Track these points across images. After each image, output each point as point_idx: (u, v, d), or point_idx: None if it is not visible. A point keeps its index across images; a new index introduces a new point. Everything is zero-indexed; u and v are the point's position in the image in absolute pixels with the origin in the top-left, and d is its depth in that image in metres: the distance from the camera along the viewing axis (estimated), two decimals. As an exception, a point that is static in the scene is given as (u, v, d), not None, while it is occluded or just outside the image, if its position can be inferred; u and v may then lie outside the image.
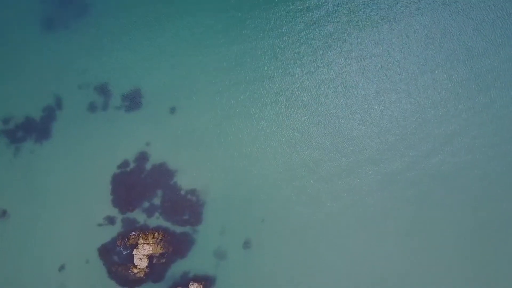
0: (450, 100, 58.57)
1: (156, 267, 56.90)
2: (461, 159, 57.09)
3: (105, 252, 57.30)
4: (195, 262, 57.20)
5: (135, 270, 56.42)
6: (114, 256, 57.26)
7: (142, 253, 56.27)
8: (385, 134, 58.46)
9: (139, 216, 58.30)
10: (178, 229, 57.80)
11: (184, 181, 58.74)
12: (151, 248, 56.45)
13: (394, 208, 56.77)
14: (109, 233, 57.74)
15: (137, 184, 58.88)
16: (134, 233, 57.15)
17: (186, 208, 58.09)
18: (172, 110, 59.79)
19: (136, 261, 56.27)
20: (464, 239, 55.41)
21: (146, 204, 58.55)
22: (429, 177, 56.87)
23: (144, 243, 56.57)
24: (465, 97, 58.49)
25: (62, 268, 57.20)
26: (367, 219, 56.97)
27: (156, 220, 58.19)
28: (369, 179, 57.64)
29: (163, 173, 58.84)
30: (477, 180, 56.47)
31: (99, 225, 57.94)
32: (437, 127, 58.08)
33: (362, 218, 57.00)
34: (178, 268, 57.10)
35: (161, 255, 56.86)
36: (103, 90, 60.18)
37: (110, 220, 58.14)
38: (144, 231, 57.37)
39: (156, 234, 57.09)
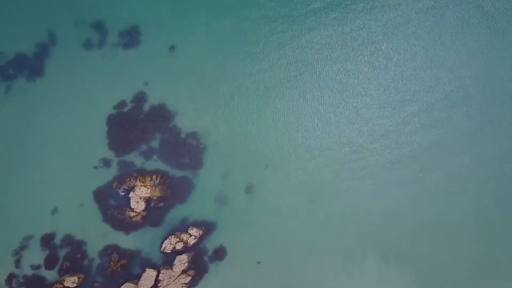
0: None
1: (153, 211, 54.14)
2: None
3: (100, 195, 54.49)
4: (195, 207, 54.49)
5: (132, 214, 53.66)
6: (109, 199, 54.46)
7: (139, 196, 53.46)
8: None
9: (136, 160, 55.35)
10: (178, 173, 54.92)
11: (184, 124, 55.65)
12: (149, 190, 53.62)
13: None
14: (104, 176, 54.84)
15: (134, 126, 55.76)
16: (131, 176, 54.48)
17: (186, 152, 55.14)
18: (172, 49, 56.49)
19: (133, 204, 53.45)
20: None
21: (143, 147, 55.56)
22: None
23: (141, 185, 53.72)
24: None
25: (55, 211, 54.42)
26: (373, 166, 54.56)
27: (154, 164, 55.26)
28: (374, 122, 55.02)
29: (162, 115, 55.68)
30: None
31: (95, 167, 55.03)
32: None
33: (369, 166, 54.45)
34: (177, 213, 54.38)
35: (159, 198, 54.06)
36: (99, 26, 56.66)
37: (106, 163, 55.22)
38: (142, 174, 54.56)
39: (154, 177, 54.20)
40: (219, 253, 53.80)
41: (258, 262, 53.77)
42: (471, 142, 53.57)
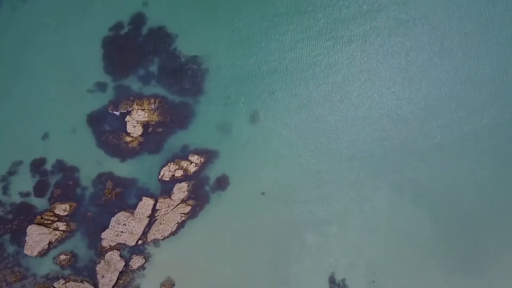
0: None
1: (151, 137, 50.64)
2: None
3: (94, 120, 50.87)
4: (196, 134, 50.93)
5: (128, 139, 50.12)
6: (104, 124, 50.85)
7: (136, 120, 49.93)
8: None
9: (134, 84, 51.68)
10: (178, 98, 51.32)
11: (185, 47, 51.91)
12: (147, 114, 50.10)
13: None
14: (99, 100, 51.15)
15: (132, 49, 52.05)
16: (127, 99, 50.93)
17: (187, 77, 51.53)
18: (173, -33, 53.09)
19: (129, 128, 49.92)
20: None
21: (141, 72, 51.87)
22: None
23: (138, 109, 50.15)
24: None
25: (46, 136, 50.80)
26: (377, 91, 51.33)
27: (153, 89, 51.65)
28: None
29: (161, 38, 51.97)
30: None
31: (89, 91, 51.37)
32: None
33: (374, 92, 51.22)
34: (177, 139, 50.84)
35: (158, 124, 50.53)
36: None
37: (101, 87, 51.57)
38: (139, 97, 51.02)
39: (152, 101, 50.64)
40: (222, 183, 50.37)
41: (263, 193, 50.39)
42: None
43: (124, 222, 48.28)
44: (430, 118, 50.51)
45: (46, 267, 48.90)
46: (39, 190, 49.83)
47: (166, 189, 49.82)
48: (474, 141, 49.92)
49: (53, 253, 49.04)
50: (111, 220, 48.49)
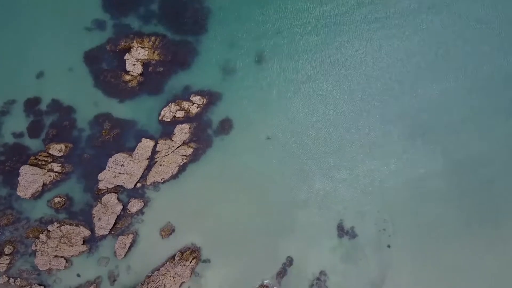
0: None
1: (152, 76, 48.08)
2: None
3: (92, 58, 48.34)
4: (198, 75, 48.40)
5: (127, 78, 47.60)
6: (102, 63, 48.34)
7: (136, 58, 47.39)
8: None
9: (134, 23, 49.06)
10: (179, 37, 48.72)
11: (187, -15, 49.76)
12: (147, 52, 47.55)
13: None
14: (97, 38, 48.57)
15: (132, -13, 49.92)
16: (127, 37, 48.35)
17: (189, 16, 48.90)
18: None
19: (129, 66, 47.33)
20: None
21: (141, 10, 49.25)
22: None
23: (138, 47, 47.61)
24: None
25: (40, 75, 48.29)
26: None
27: (154, 28, 48.99)
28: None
29: (163, -25, 49.77)
30: None
31: (87, 29, 48.86)
32: None
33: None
34: (178, 80, 48.29)
35: (159, 63, 47.97)
36: None
37: (99, 25, 48.99)
38: (139, 35, 48.45)
39: (153, 39, 48.05)
40: (225, 126, 47.89)
41: (268, 138, 47.93)
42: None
43: (122, 163, 45.84)
44: (442, 63, 48.04)
45: (40, 210, 46.54)
46: (33, 130, 47.41)
47: (167, 131, 47.33)
48: (489, 86, 47.58)
49: (47, 196, 46.67)
50: (109, 160, 46.01)
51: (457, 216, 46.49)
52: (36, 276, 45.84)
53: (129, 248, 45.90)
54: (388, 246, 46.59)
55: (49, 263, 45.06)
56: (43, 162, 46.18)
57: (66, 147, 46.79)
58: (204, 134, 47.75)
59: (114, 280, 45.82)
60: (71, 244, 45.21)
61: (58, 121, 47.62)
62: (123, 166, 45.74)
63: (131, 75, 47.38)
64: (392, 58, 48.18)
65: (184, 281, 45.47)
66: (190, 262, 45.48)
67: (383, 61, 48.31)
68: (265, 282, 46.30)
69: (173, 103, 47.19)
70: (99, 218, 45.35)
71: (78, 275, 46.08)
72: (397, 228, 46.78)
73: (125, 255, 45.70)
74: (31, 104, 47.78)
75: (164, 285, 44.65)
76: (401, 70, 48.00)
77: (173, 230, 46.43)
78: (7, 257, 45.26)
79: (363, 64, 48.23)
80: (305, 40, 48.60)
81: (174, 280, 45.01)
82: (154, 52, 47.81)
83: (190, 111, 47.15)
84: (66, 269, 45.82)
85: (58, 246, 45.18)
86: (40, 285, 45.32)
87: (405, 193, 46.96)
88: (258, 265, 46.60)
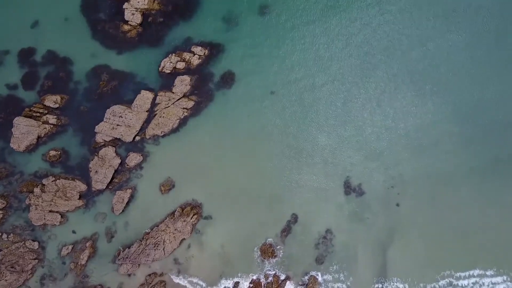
0: None
1: (151, 27, 46.07)
2: None
3: (89, 7, 46.35)
4: (200, 26, 46.39)
5: (126, 28, 45.59)
6: (100, 13, 46.36)
7: (135, 7, 45.44)
8: None
9: (133, -28, 47.44)
10: (180, -13, 47.09)
11: None
12: (146, 1, 45.47)
13: None
14: (94, -12, 47.04)
15: None
16: (125, -14, 46.46)
17: (190, -34, 47.23)
18: None
19: (128, 15, 45.31)
20: None
21: (141, -41, 47.67)
22: None
23: (137, -5, 45.85)
24: None
25: (35, 24, 46.30)
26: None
27: (153, -23, 47.38)
28: None
29: None
30: None
31: (83, -22, 47.19)
32: None
33: None
34: (178, 31, 46.26)
35: (158, 13, 46.03)
36: None
37: (97, -27, 47.35)
38: (138, -15, 46.61)
39: (153, -13, 46.33)
40: (227, 80, 45.91)
41: (272, 92, 46.03)
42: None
43: (120, 114, 43.95)
44: (452, 14, 46.10)
45: (35, 164, 44.68)
46: (28, 82, 45.48)
47: (167, 83, 45.40)
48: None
49: (42, 149, 44.80)
50: (106, 112, 44.14)
51: (467, 172, 44.51)
52: (30, 232, 44.07)
53: (127, 203, 44.06)
54: (397, 205, 44.83)
55: (44, 218, 43.26)
56: (38, 114, 44.28)
57: (62, 98, 44.91)
58: (205, 87, 45.83)
59: (112, 237, 44.03)
60: (67, 198, 43.37)
61: (53, 72, 45.67)
62: (121, 117, 43.83)
63: (130, 25, 45.45)
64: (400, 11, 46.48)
65: (184, 238, 43.69)
66: (191, 218, 43.68)
67: (391, 20, 46.54)
68: (269, 240, 44.54)
69: (173, 54, 45.24)
70: (96, 171, 43.49)
71: (74, 232, 44.30)
72: (406, 186, 44.83)
73: (123, 211, 43.91)
74: (25, 55, 45.79)
75: (164, 241, 42.88)
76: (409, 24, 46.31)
77: (173, 186, 44.58)
78: (0, 212, 43.48)
79: (373, 20, 46.44)
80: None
81: (174, 237, 43.21)
82: (154, 1, 45.88)
83: (191, 62, 45.23)
84: (62, 225, 44.07)
85: (53, 201, 43.35)
86: (34, 241, 43.59)
87: (414, 150, 45.06)
88: (261, 222, 44.76)
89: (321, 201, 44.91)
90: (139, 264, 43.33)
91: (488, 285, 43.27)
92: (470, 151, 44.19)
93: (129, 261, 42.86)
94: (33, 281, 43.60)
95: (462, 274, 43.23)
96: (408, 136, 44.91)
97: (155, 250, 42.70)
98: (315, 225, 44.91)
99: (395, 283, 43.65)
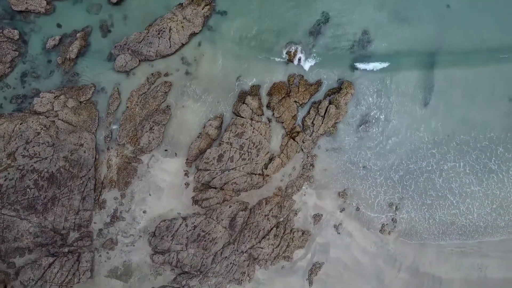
0: None
1: None
2: None
3: None
4: None
5: None
6: None
7: None
8: None
9: None
10: None
11: None
12: None
13: None
14: None
15: None
16: None
17: None
18: None
19: None
20: None
21: None
22: None
23: None
24: None
25: None
26: None
27: None
28: None
29: None
30: None
31: None
32: None
33: None
34: None
35: None
36: None
37: None
38: None
39: None
40: None
41: None
42: None
43: None
44: None
45: None
46: None
47: None
48: None
49: None
50: None
51: None
52: (10, 22, 36.66)
53: (127, -7, 36.82)
54: (448, 6, 37.81)
55: (26, 1, 35.86)
56: None
57: None
58: None
59: (108, 31, 36.73)
60: (53, -21, 36.00)
61: None
62: None
63: None
64: None
65: (194, 31, 36.44)
66: (203, 8, 36.47)
67: None
68: (294, 47, 37.39)
69: None
70: None
71: (59, 25, 36.74)
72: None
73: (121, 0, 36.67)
74: None
75: (170, 29, 35.58)
76: None
77: (176, -17, 37.28)
78: (-27, -3, 36.09)
79: None
80: None
81: (182, 26, 35.96)
82: None
83: None
84: (48, 15, 36.62)
85: (37, -18, 35.96)
86: (14, 29, 36.19)
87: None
88: (285, 22, 37.64)
89: (357, -1, 37.83)
90: (139, 60, 36.16)
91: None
92: None
93: (128, 50, 35.51)
94: (12, 77, 36.32)
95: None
96: None
97: (159, 38, 35.44)
98: (349, 26, 37.79)
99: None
